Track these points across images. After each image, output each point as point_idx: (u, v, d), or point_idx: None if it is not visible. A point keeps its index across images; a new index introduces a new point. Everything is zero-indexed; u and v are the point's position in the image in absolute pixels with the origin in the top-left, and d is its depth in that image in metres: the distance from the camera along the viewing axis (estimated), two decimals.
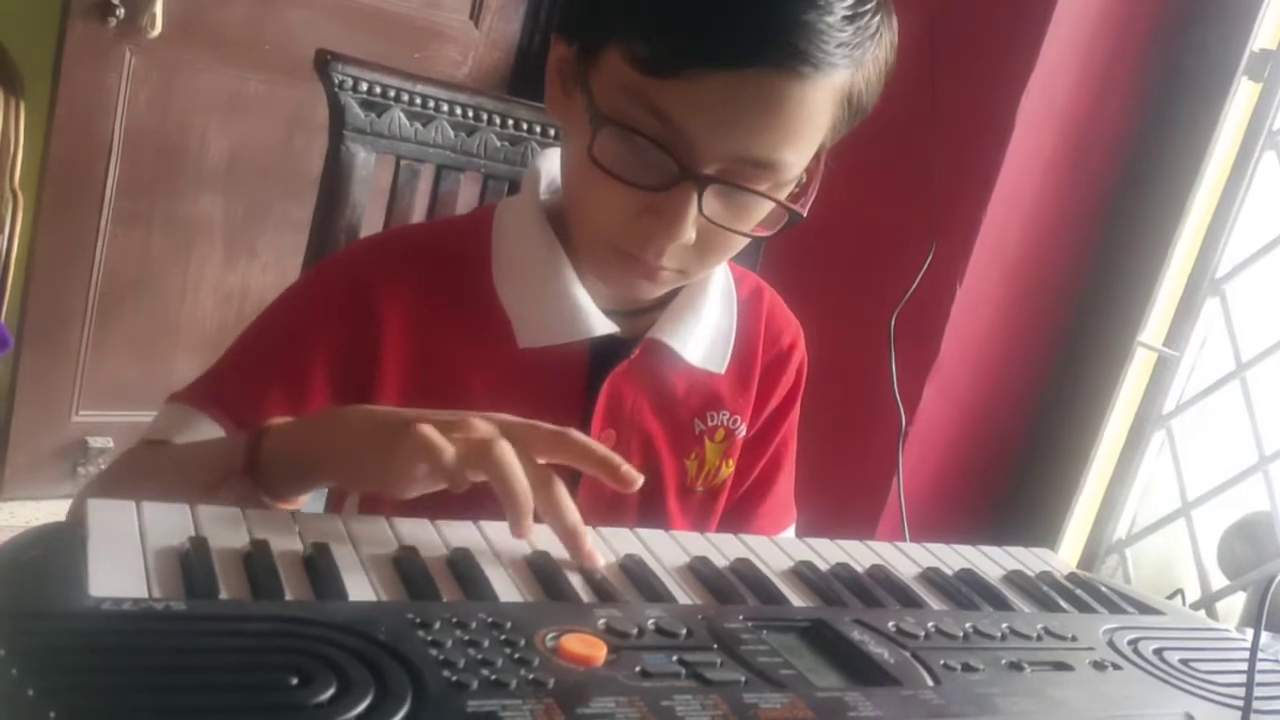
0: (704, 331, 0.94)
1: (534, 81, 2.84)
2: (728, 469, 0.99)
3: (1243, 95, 1.79)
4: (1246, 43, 1.76)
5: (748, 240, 0.83)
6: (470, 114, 1.22)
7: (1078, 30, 1.74)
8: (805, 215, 0.81)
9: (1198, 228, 1.83)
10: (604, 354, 0.91)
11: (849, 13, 0.74)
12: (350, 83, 1.14)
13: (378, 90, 1.15)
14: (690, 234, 0.79)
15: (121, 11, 2.12)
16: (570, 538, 0.65)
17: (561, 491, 0.66)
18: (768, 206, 0.81)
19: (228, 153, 2.36)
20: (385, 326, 0.87)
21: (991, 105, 1.72)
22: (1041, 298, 1.91)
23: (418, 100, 1.18)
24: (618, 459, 0.67)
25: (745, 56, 0.73)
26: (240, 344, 0.92)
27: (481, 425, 0.66)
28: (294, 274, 1.21)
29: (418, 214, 1.23)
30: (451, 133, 1.21)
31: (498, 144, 1.24)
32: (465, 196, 1.25)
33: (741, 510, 1.02)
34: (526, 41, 2.67)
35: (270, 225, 2.45)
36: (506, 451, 0.64)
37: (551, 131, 1.27)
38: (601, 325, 0.88)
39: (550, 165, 0.94)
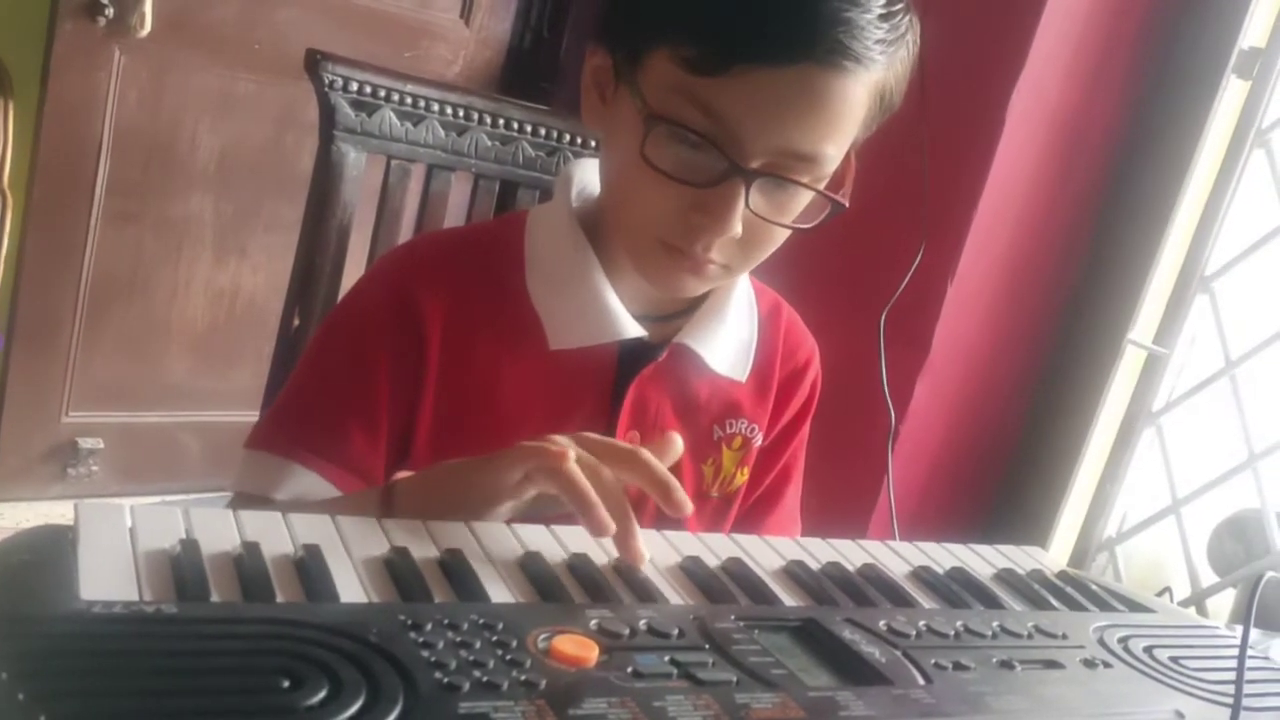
0: (728, 340, 0.96)
1: (525, 80, 2.84)
2: (742, 477, 1.00)
3: (1232, 93, 1.79)
4: (1235, 40, 1.76)
5: (788, 234, 0.85)
6: (461, 113, 1.22)
7: (1068, 28, 1.74)
8: (847, 205, 0.84)
9: (1187, 225, 1.83)
10: (631, 357, 0.92)
11: (883, 11, 0.78)
12: (340, 82, 1.14)
13: (368, 90, 1.15)
14: (738, 228, 0.81)
15: (111, 10, 2.11)
16: (622, 539, 0.68)
17: (625, 500, 0.69)
18: (807, 199, 0.84)
19: (218, 152, 2.36)
20: (429, 330, 0.89)
21: (982, 102, 1.73)
22: (1032, 296, 1.91)
23: (408, 100, 1.18)
24: (675, 484, 0.70)
25: (792, 52, 0.76)
26: (304, 378, 0.93)
27: (560, 439, 0.71)
28: (285, 274, 1.21)
29: (409, 214, 1.23)
30: (442, 132, 1.21)
31: (488, 143, 1.24)
32: (456, 196, 1.25)
33: (749, 520, 1.03)
34: (517, 41, 2.66)
35: (261, 225, 2.45)
36: (573, 466, 0.68)
37: (542, 131, 1.27)
38: (631, 329, 0.90)
39: (583, 173, 0.96)
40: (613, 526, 0.66)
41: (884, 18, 0.78)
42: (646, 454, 0.71)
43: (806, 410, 1.05)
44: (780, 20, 0.75)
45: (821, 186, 0.83)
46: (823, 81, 0.77)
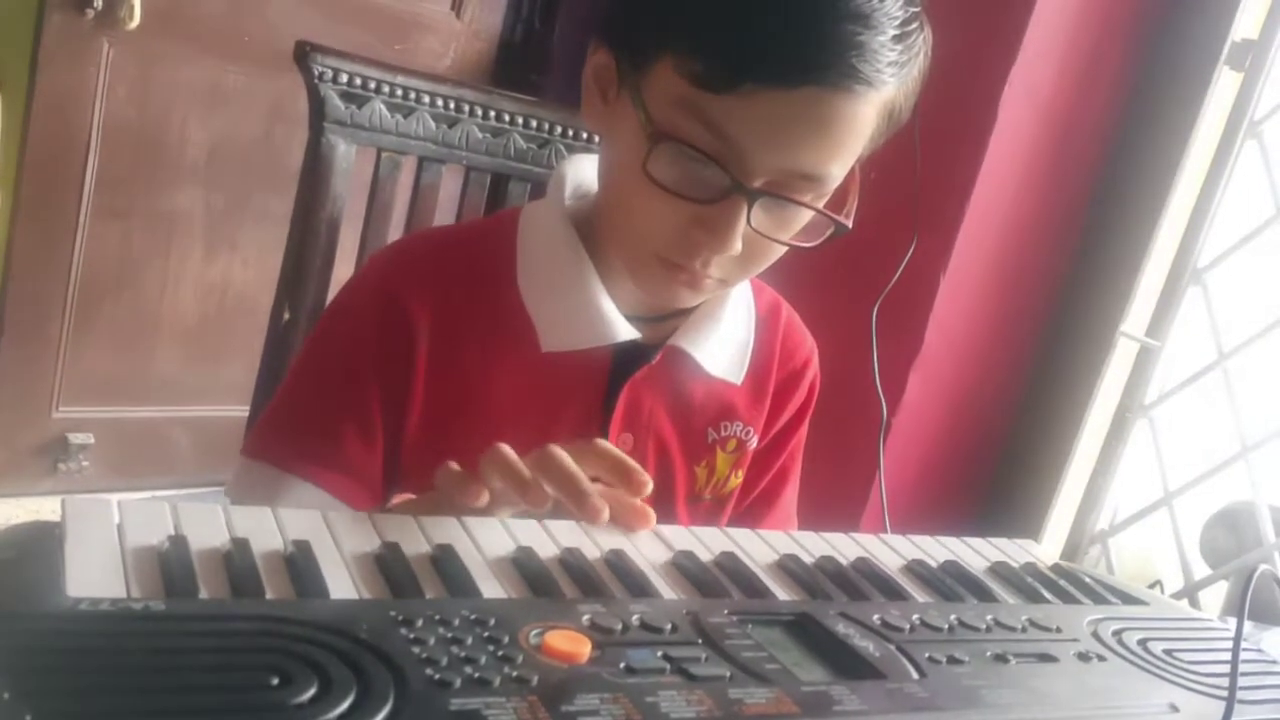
0: (724, 342, 0.95)
1: (516, 73, 2.83)
2: (736, 479, 1.00)
3: (1224, 85, 1.79)
4: (1228, 32, 1.76)
5: (786, 249, 0.84)
6: (452, 105, 1.21)
7: (1060, 20, 1.74)
8: (851, 226, 0.82)
9: (1179, 218, 1.84)
10: (625, 359, 0.91)
11: (898, 32, 0.76)
12: (330, 74, 1.13)
13: (358, 82, 1.14)
14: (738, 245, 0.80)
15: (99, 3, 2.10)
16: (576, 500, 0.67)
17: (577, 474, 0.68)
18: (809, 215, 0.82)
19: (207, 145, 2.35)
20: (415, 332, 0.88)
21: (974, 95, 1.72)
22: (1024, 288, 1.91)
23: (398, 92, 1.17)
24: (633, 463, 0.70)
25: (803, 75, 0.74)
26: (298, 386, 0.93)
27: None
28: (275, 267, 1.20)
29: (399, 207, 1.23)
30: (433, 124, 1.21)
31: (479, 136, 1.24)
32: (447, 189, 1.25)
33: (745, 521, 1.02)
34: (509, 33, 2.65)
35: (251, 218, 2.44)
36: (558, 451, 0.68)
37: (534, 123, 1.27)
38: (625, 331, 0.89)
39: (577, 170, 0.95)
40: (548, 505, 0.67)
41: (898, 38, 0.76)
42: (602, 442, 0.71)
43: (804, 412, 1.04)
44: (792, 42, 0.74)
45: (824, 203, 0.82)
46: (832, 104, 0.75)
